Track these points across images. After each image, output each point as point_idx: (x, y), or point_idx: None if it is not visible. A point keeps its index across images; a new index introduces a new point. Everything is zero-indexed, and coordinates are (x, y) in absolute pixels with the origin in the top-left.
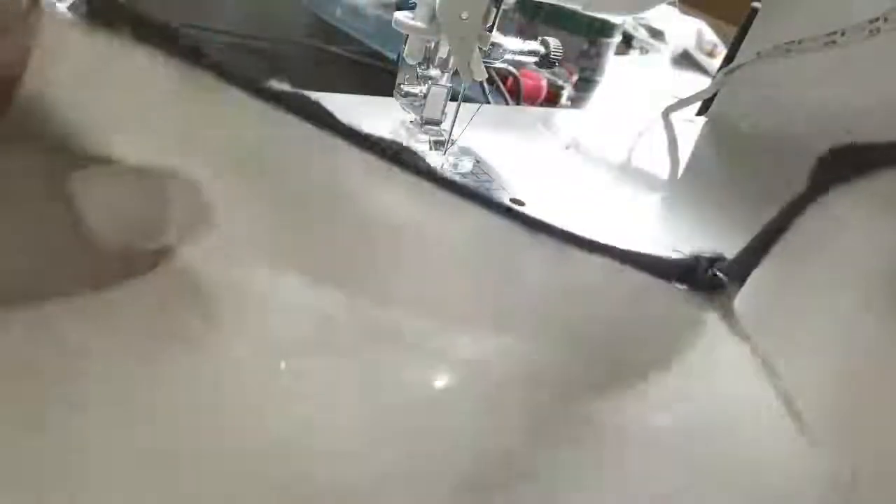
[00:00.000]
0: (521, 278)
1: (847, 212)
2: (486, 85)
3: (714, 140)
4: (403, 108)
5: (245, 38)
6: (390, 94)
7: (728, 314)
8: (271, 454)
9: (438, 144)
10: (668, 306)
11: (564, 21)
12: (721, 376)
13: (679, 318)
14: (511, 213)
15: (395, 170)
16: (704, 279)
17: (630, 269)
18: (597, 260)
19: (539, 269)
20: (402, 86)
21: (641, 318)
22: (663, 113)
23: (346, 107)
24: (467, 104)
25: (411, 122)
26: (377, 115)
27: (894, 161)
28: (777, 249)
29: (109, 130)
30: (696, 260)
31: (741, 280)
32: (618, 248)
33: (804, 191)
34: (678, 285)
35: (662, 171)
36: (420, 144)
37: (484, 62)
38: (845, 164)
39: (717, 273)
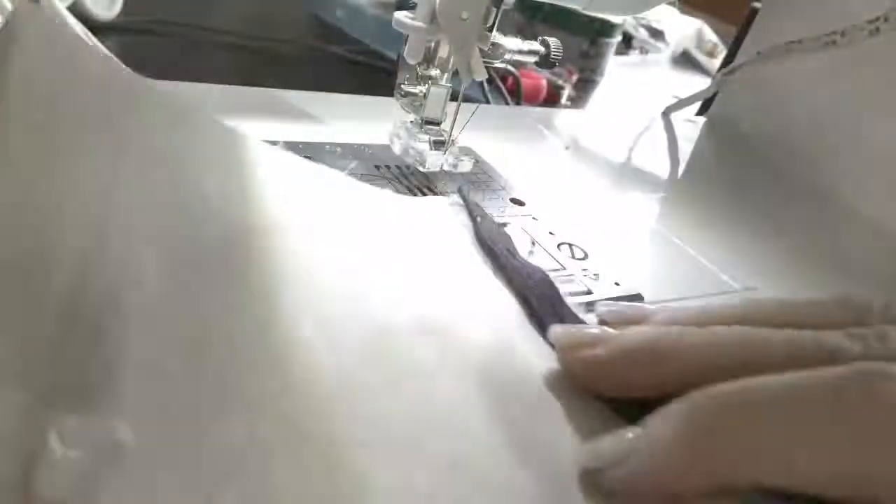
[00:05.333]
0: None
1: None
2: (486, 85)
3: (714, 140)
4: (403, 108)
5: (245, 38)
6: (390, 94)
7: None
8: None
9: (438, 144)
10: None
11: (564, 21)
12: None
13: None
14: None
15: None
16: None
17: None
18: None
19: None
20: (402, 86)
21: None
22: (663, 113)
23: (347, 107)
24: (467, 104)
25: (411, 122)
26: (377, 116)
27: None
28: None
29: None
30: None
31: None
32: None
33: None
34: None
35: (662, 171)
36: (420, 144)
37: (484, 62)
38: None
39: None
